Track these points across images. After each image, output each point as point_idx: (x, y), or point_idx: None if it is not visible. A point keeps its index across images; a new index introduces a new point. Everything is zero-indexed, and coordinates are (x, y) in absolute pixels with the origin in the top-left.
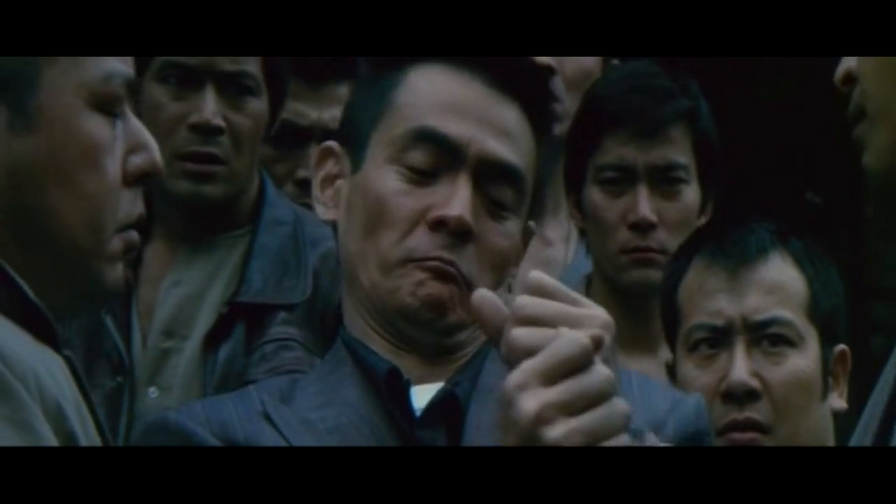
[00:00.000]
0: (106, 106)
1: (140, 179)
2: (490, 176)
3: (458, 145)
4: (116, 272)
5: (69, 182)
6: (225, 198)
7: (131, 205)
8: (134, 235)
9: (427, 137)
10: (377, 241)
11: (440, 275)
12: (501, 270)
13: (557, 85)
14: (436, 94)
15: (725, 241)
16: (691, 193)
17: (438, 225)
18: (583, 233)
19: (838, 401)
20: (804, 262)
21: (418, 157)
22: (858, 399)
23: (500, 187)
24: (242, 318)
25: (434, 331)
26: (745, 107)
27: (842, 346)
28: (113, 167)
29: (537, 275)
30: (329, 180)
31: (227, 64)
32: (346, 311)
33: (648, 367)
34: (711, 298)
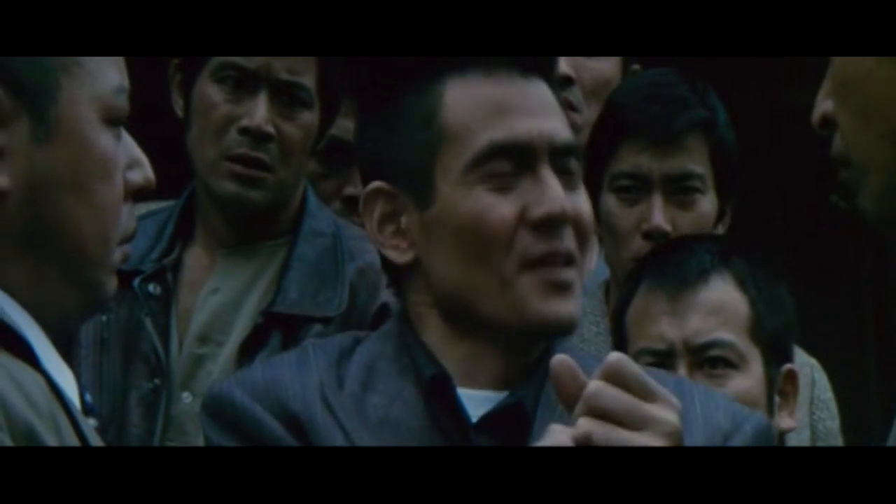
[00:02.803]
0: (115, 120)
1: (134, 195)
2: (559, 156)
3: (528, 145)
4: (113, 283)
5: (86, 194)
6: (268, 205)
7: (128, 219)
8: (128, 249)
9: (500, 151)
10: (487, 260)
11: (561, 287)
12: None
13: (576, 94)
14: (484, 104)
15: (667, 265)
16: (707, 203)
17: (544, 223)
18: (601, 240)
19: (787, 420)
20: (747, 283)
21: (498, 169)
22: (884, 404)
23: (568, 162)
24: (279, 329)
25: (552, 336)
26: (769, 109)
27: (789, 366)
28: (120, 181)
29: (617, 359)
30: (387, 220)
31: (283, 73)
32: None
33: None
34: (654, 323)
